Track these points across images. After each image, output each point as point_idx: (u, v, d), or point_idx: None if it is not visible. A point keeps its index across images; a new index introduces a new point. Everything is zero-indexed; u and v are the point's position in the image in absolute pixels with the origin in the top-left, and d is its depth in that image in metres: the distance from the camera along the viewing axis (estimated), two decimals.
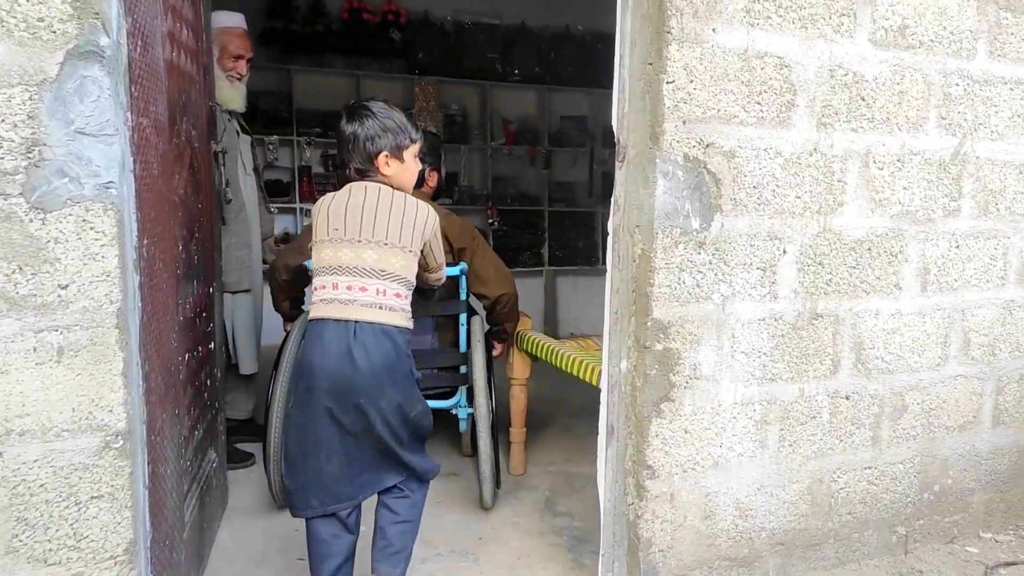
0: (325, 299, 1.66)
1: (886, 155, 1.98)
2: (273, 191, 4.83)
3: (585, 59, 5.45)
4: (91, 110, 1.24)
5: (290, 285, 2.59)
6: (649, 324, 1.77)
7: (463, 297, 2.54)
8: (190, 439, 1.85)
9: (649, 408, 1.80)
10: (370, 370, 1.61)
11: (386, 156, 1.73)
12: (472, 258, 2.55)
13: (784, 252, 1.90)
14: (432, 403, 2.31)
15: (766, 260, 1.88)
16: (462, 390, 2.59)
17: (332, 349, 1.61)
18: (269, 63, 4.69)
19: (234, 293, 2.81)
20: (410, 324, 1.72)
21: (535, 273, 5.35)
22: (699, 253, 1.80)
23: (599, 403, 1.93)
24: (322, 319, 1.65)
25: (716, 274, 1.83)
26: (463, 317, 2.55)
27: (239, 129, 2.90)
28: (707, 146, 1.77)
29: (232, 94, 2.79)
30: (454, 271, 2.42)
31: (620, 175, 1.83)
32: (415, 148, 1.78)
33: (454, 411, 2.63)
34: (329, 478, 1.65)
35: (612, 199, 1.88)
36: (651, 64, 1.73)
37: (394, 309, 1.66)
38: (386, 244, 1.67)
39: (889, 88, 1.95)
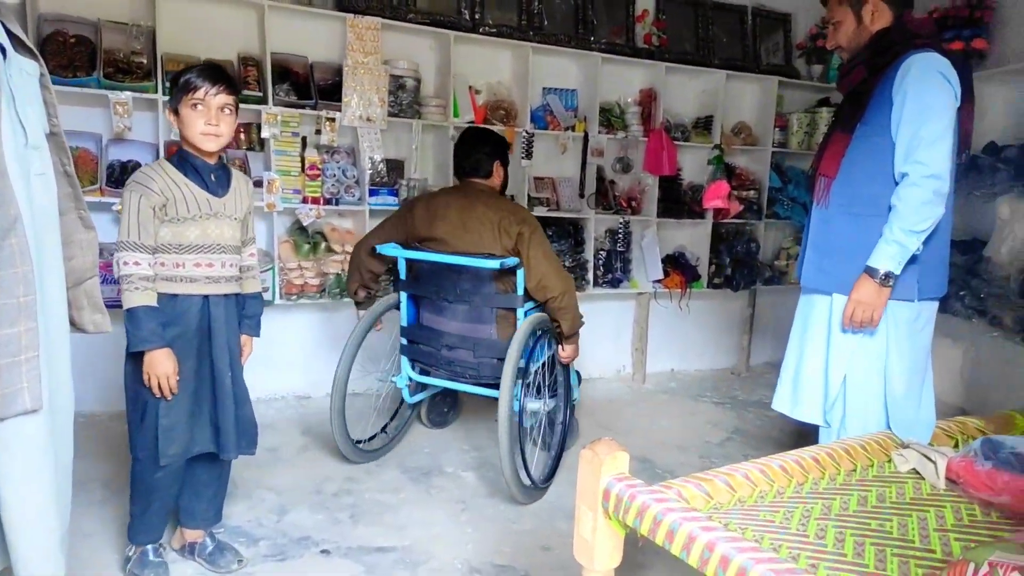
0: None
1: None
2: (124, 180, 3.16)
3: (577, 13, 4.05)
4: None
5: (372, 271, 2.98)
6: None
7: (519, 292, 2.69)
8: None
9: None
10: None
11: None
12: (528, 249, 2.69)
13: None
14: (491, 392, 2.72)
15: None
16: (519, 384, 2.66)
17: None
18: None
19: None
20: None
21: None
22: None
23: None
24: None
25: None
26: (520, 312, 2.71)
27: (3, 43, 1.31)
28: None
29: None
30: (511, 261, 2.62)
31: None
32: None
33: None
34: None
35: None
36: None
37: None
38: None
39: None
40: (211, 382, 2.03)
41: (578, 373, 3.32)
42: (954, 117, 1.99)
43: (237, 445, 2.07)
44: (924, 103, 1.95)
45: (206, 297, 1.99)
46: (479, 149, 2.88)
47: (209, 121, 1.92)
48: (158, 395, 1.91)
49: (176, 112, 1.95)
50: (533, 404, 2.79)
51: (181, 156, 1.99)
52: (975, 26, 3.73)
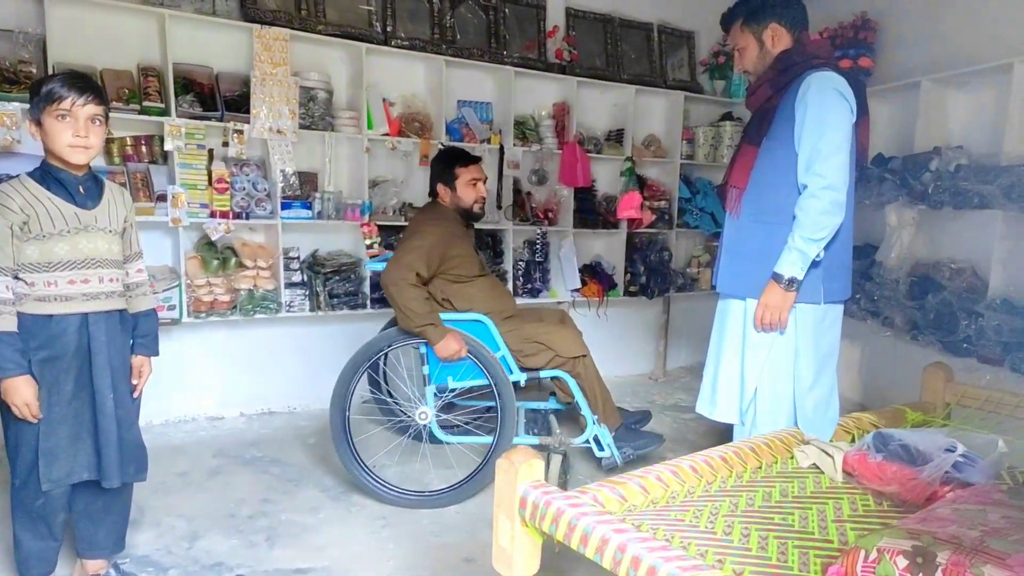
0: None
1: None
2: None
3: (490, 28, 4.10)
4: None
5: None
6: None
7: None
8: None
9: None
10: None
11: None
12: None
13: None
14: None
15: None
16: (431, 392, 2.89)
17: None
18: None
19: None
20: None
21: None
22: None
23: None
24: None
25: None
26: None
27: None
28: None
29: None
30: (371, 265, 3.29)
31: None
32: None
33: None
34: None
35: None
36: None
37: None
38: None
39: None
40: (92, 404, 1.92)
41: (632, 428, 3.24)
42: (850, 131, 2.13)
43: (122, 471, 1.96)
44: (822, 118, 2.07)
45: (85, 315, 1.90)
46: (432, 170, 3.18)
47: (78, 133, 1.83)
48: (23, 420, 1.83)
49: (38, 123, 1.84)
50: (423, 407, 2.86)
51: (44, 170, 1.89)
52: (860, 46, 3.99)
